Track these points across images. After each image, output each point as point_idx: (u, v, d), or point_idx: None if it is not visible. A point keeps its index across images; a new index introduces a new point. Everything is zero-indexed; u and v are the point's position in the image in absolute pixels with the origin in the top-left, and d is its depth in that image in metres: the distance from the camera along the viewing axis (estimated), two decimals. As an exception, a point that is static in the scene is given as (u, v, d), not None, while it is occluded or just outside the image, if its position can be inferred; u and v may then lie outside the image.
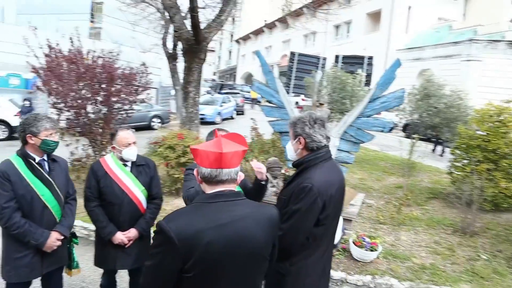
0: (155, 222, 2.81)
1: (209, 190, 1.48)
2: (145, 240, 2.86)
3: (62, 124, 6.50)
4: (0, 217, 2.33)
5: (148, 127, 15.32)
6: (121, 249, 2.75)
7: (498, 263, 4.45)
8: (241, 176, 2.20)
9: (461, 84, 13.70)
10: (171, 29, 14.72)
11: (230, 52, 60.89)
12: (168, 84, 21.42)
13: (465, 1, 28.17)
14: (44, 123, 2.44)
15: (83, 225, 4.85)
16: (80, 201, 2.76)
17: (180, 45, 11.62)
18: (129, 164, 2.81)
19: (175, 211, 1.45)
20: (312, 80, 9.88)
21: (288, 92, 10.10)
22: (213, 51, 60.53)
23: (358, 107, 4.58)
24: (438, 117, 11.02)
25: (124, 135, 2.74)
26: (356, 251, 4.34)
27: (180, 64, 11.24)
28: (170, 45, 17.10)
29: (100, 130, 6.61)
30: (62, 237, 2.56)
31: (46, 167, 2.54)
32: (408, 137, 13.18)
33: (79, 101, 6.40)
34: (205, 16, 9.44)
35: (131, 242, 2.76)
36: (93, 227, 2.83)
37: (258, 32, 48.84)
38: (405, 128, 17.48)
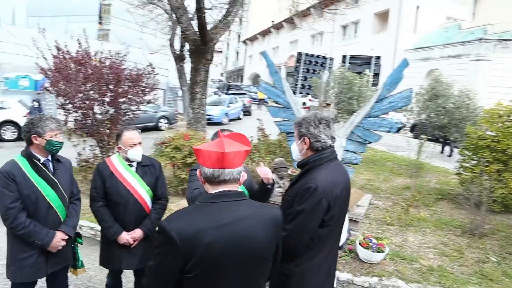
0: (160, 222, 2.82)
1: (212, 190, 1.47)
2: (151, 240, 2.85)
3: (70, 124, 6.57)
4: (6, 217, 2.35)
5: (156, 128, 15.34)
6: (127, 249, 2.76)
7: (508, 265, 4.37)
8: (244, 176, 2.19)
9: (470, 84, 13.51)
10: (178, 30, 14.84)
11: (237, 52, 61.01)
12: (176, 85, 21.55)
13: (475, 0, 27.88)
14: (49, 123, 2.45)
15: (89, 225, 4.89)
16: (86, 201, 2.78)
17: (187, 46, 11.68)
18: (134, 164, 2.82)
19: (176, 211, 1.44)
20: (319, 81, 9.83)
21: (295, 93, 10.06)
22: (220, 51, 60.82)
23: (365, 107, 4.54)
24: (446, 117, 10.88)
25: (130, 135, 2.76)
26: (362, 252, 4.30)
27: (187, 65, 11.28)
28: (177, 46, 17.23)
29: (107, 131, 6.65)
30: (67, 237, 2.58)
31: (51, 167, 2.56)
32: (416, 137, 13.07)
33: (87, 102, 6.44)
34: (212, 17, 9.49)
35: (136, 242, 2.77)
36: (99, 227, 2.85)
37: (265, 32, 48.82)
38: (413, 128, 17.30)
